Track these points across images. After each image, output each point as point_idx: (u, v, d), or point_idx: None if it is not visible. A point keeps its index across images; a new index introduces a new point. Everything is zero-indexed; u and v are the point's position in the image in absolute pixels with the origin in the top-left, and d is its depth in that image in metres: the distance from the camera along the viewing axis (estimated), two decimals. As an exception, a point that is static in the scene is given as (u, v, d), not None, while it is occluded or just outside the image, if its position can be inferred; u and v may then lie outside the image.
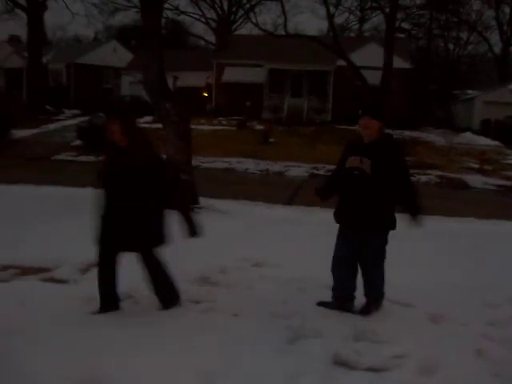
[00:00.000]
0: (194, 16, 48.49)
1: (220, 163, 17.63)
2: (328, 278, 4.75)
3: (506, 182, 16.77)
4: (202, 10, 47.49)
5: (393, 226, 4.48)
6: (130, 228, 4.19)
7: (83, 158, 17.47)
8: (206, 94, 34.81)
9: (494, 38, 49.71)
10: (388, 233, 4.50)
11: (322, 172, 16.33)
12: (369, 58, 29.01)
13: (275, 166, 17.59)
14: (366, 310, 4.62)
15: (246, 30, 54.92)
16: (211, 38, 47.67)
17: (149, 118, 27.18)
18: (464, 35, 49.19)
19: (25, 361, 3.45)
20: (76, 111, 33.25)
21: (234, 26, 48.20)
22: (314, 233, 7.45)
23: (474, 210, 11.06)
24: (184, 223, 4.33)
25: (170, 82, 12.30)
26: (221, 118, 30.29)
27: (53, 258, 5.74)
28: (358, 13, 50.04)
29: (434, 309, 4.77)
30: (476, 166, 19.24)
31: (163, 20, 25.41)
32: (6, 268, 5.55)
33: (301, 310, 4.54)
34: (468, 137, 28.16)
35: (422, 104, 37.97)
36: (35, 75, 31.59)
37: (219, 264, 5.77)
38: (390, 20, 28.52)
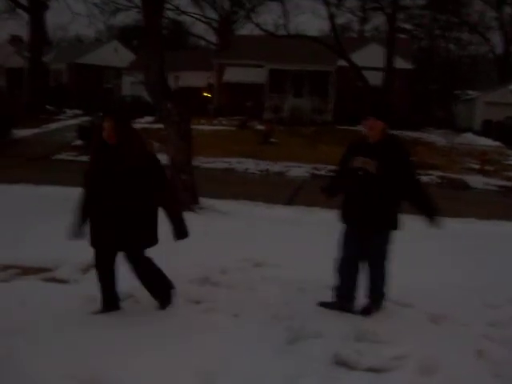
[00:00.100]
0: (195, 16, 48.39)
1: (220, 163, 17.63)
2: (328, 279, 4.76)
3: (507, 182, 16.77)
4: (202, 10, 47.52)
5: (397, 226, 4.51)
6: (123, 228, 4.16)
7: (84, 158, 17.43)
8: (206, 94, 34.83)
9: (495, 38, 49.62)
10: (392, 233, 4.52)
11: (322, 172, 16.33)
12: (370, 58, 29.03)
13: (275, 166, 17.59)
14: (366, 311, 4.63)
15: (246, 30, 54.79)
16: (212, 38, 47.65)
17: (150, 119, 27.20)
18: (465, 36, 49.17)
19: (26, 360, 3.46)
20: (77, 111, 33.26)
21: (234, 26, 48.20)
22: (314, 233, 7.46)
23: (475, 211, 11.06)
24: (171, 224, 4.28)
25: (171, 82, 12.31)
26: (221, 118, 30.29)
27: (53, 258, 5.73)
28: (359, 13, 50.07)
29: (435, 309, 4.77)
30: (477, 166, 19.22)
31: (164, 20, 25.40)
32: (6, 268, 5.55)
33: (301, 311, 4.55)
34: (469, 137, 28.15)
35: (423, 104, 37.99)
36: (36, 75, 31.60)
37: (220, 264, 5.77)
38: (391, 20, 28.56)
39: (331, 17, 29.34)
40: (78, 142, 20.01)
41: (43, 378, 3.30)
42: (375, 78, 27.22)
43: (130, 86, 36.06)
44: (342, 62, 28.41)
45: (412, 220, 4.86)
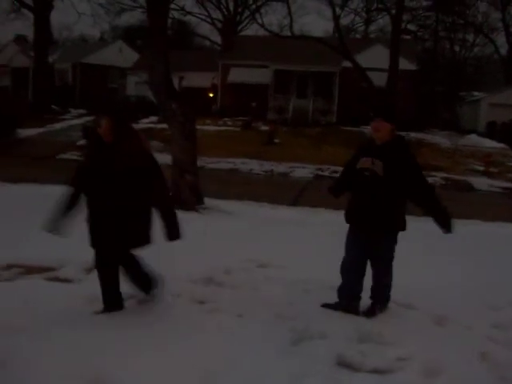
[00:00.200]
0: (200, 16, 48.63)
1: (225, 164, 17.65)
2: (333, 280, 4.75)
3: (512, 184, 16.74)
4: (207, 11, 47.62)
5: (403, 227, 4.51)
6: (120, 228, 4.14)
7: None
8: (211, 95, 34.84)
9: (501, 39, 49.58)
10: (397, 233, 4.52)
11: (326, 173, 16.32)
12: (374, 59, 29.00)
13: (280, 167, 17.59)
14: (370, 312, 4.62)
15: (251, 30, 54.92)
16: (217, 38, 47.81)
17: (154, 119, 27.23)
18: (470, 37, 49.16)
19: (28, 359, 3.46)
20: (82, 111, 33.34)
21: (239, 27, 48.27)
22: (318, 234, 7.45)
23: (480, 212, 11.03)
24: (164, 225, 4.21)
25: (175, 82, 12.31)
26: (226, 119, 30.30)
27: (57, 258, 5.73)
28: (363, 14, 50.11)
29: (439, 311, 4.75)
30: (481, 168, 19.19)
31: (169, 20, 25.43)
32: (10, 267, 5.56)
33: (305, 312, 4.53)
34: (473, 139, 28.08)
35: (428, 106, 37.90)
36: (41, 75, 31.71)
37: (224, 264, 5.76)
38: (395, 21, 28.54)
39: (336, 18, 29.34)
40: (83, 142, 20.05)
41: (46, 377, 3.30)
42: (380, 79, 27.17)
43: (135, 86, 36.07)
44: (347, 63, 28.40)
45: (412, 220, 4.84)
